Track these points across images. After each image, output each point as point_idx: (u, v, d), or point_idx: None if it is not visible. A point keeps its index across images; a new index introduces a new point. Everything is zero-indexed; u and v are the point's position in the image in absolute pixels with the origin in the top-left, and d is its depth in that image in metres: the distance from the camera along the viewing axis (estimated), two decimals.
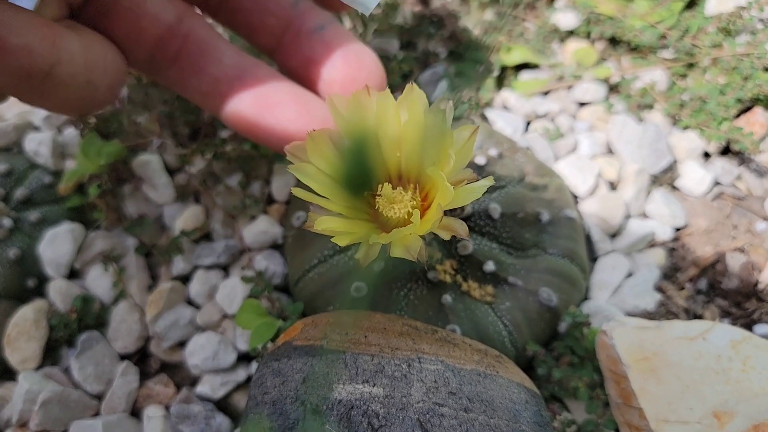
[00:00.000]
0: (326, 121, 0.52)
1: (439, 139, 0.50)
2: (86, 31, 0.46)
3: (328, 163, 0.51)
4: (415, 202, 0.53)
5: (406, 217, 0.52)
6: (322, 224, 0.47)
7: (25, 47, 0.40)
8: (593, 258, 0.66)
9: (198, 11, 0.52)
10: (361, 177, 0.32)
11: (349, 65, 0.54)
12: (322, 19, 0.54)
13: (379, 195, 0.53)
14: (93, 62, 0.45)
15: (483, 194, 0.57)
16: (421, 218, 0.54)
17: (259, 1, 0.53)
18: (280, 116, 0.53)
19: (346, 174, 0.31)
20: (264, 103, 0.52)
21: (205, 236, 0.67)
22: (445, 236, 0.49)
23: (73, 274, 0.66)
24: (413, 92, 0.51)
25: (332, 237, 0.47)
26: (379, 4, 0.50)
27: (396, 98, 0.51)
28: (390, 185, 0.53)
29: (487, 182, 0.48)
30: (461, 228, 0.50)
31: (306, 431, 0.45)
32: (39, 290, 0.64)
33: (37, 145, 0.68)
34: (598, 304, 0.62)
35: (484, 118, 0.72)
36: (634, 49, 0.79)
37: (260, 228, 0.64)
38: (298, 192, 0.49)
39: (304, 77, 0.54)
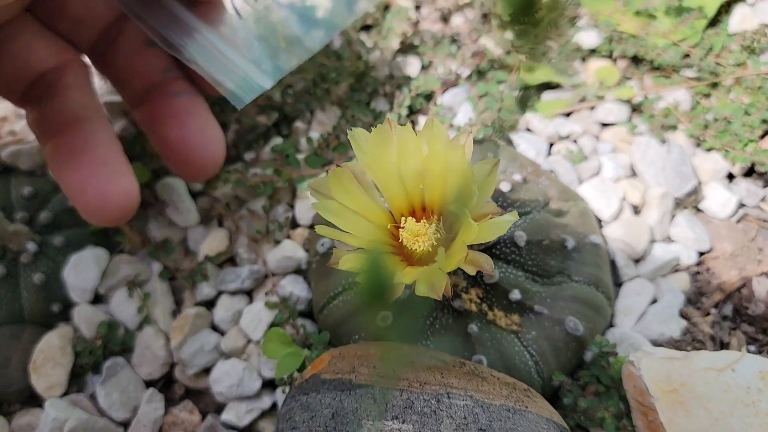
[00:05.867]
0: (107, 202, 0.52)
1: (460, 173, 0.50)
2: None
3: (351, 198, 0.51)
4: (439, 235, 0.52)
5: (430, 249, 0.52)
6: (347, 263, 0.47)
7: None
8: (617, 283, 0.66)
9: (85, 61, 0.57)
10: (379, 292, 0.33)
11: (187, 131, 0.57)
12: (183, 88, 0.58)
13: (403, 228, 0.53)
14: None
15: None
16: (446, 251, 0.54)
17: (133, 61, 0.57)
18: (72, 174, 0.52)
19: (366, 289, 0.32)
20: (69, 156, 0.53)
21: (229, 260, 0.67)
22: (471, 271, 0.49)
23: (98, 299, 0.66)
24: (433, 127, 0.51)
25: (357, 275, 0.47)
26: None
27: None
28: (413, 218, 0.53)
29: (512, 217, 0.48)
30: (486, 263, 0.49)
31: None
32: (63, 315, 0.65)
33: None
34: (623, 332, 0.62)
35: (507, 140, 0.72)
36: (657, 68, 0.79)
37: (284, 253, 0.64)
38: (322, 230, 0.49)
39: (150, 133, 0.58)
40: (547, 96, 0.78)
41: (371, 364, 0.51)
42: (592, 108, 0.77)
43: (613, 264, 0.66)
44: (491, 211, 0.49)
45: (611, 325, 0.63)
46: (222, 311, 0.63)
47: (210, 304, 0.65)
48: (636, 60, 0.80)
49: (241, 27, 0.58)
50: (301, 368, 0.56)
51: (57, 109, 0.53)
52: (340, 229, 0.50)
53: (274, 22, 0.60)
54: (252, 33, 0.58)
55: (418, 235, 0.52)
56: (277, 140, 0.71)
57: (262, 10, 0.60)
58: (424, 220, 0.52)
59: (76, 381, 0.62)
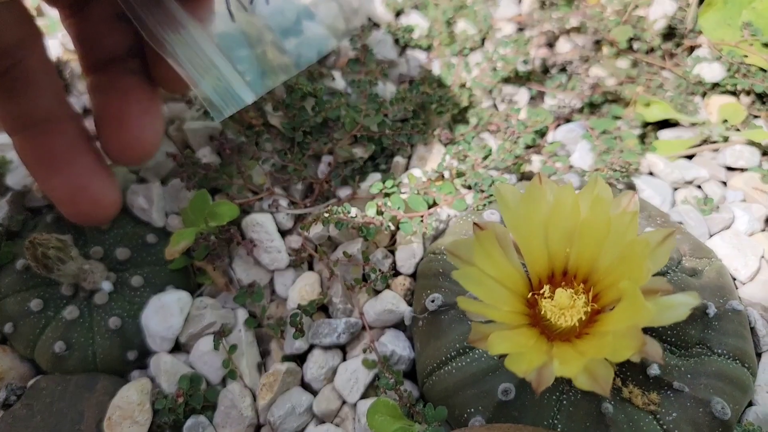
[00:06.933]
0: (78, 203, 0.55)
1: (622, 243, 0.44)
2: None
3: (492, 264, 0.45)
4: (588, 309, 0.46)
5: (577, 324, 0.46)
6: (498, 347, 0.41)
7: None
8: (757, 353, 0.58)
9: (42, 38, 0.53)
10: None
11: (125, 110, 0.55)
12: (139, 68, 0.56)
13: (545, 297, 0.46)
14: None
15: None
16: (589, 322, 0.47)
17: (100, 30, 0.54)
18: (57, 178, 0.54)
19: None
20: (44, 159, 0.54)
21: (321, 308, 0.60)
22: (636, 359, 0.42)
23: (176, 347, 0.60)
24: (597, 185, 0.44)
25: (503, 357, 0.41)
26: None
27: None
28: (560, 288, 0.46)
29: (692, 300, 0.41)
30: (655, 350, 0.43)
31: None
32: (138, 362, 0.59)
33: (140, 199, 0.62)
34: (766, 412, 0.54)
35: (629, 185, 0.64)
36: None
37: (385, 306, 0.57)
38: (465, 304, 0.42)
39: (92, 100, 0.57)
40: (665, 134, 0.71)
41: None
42: (716, 150, 0.69)
43: (752, 331, 0.58)
44: (660, 288, 0.43)
45: (751, 404, 0.56)
46: (314, 368, 0.57)
47: (298, 357, 0.59)
48: (762, 97, 0.72)
49: (231, 30, 0.53)
50: None
51: (29, 103, 0.52)
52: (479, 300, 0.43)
53: (266, 31, 0.56)
54: (242, 39, 0.54)
55: (565, 308, 0.45)
56: (375, 176, 0.64)
57: (255, 16, 0.56)
58: (572, 291, 0.46)
59: None
